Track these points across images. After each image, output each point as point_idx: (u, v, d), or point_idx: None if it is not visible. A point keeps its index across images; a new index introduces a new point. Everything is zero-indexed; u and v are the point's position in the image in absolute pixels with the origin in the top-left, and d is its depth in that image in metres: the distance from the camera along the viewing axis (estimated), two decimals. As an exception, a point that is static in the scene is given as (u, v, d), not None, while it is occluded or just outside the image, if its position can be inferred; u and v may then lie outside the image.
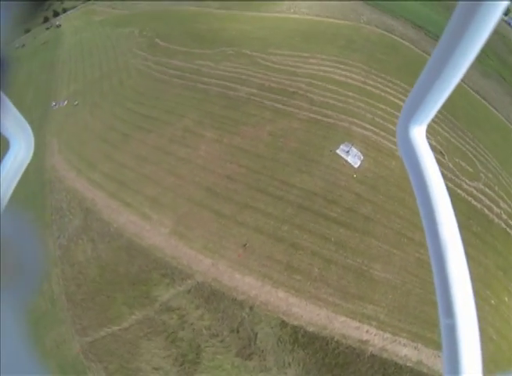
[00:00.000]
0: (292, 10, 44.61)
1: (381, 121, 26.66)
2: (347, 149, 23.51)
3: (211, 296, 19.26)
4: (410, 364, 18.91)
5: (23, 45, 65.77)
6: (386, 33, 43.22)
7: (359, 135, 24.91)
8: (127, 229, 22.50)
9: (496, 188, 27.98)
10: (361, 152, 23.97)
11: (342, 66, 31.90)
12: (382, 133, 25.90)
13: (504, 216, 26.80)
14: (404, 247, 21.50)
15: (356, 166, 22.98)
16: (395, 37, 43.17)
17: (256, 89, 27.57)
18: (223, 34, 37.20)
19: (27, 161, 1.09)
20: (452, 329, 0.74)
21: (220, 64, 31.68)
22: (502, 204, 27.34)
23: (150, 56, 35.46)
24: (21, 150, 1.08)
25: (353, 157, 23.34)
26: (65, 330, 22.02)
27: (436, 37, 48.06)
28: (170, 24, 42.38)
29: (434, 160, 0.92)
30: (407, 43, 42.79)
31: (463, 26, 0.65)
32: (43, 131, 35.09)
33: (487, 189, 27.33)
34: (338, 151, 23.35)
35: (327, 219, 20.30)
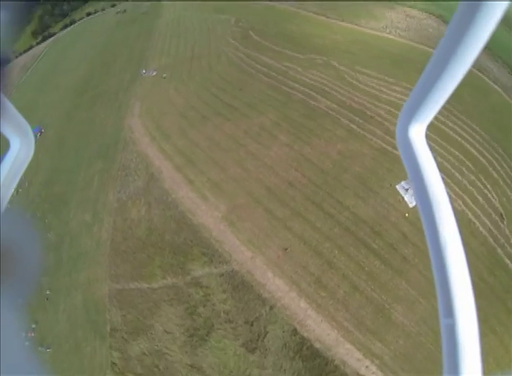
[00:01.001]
0: (388, 30, 43.70)
1: (449, 167, 26.03)
2: (407, 187, 23.47)
3: (240, 285, 20.70)
4: None
5: (125, 11, 70.46)
6: (478, 73, 40.85)
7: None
8: (183, 203, 24.32)
9: None
10: (422, 192, 23.85)
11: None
12: (447, 179, 25.32)
13: None
14: (431, 299, 21.11)
15: (411, 205, 22.97)
16: (487, 80, 40.64)
17: (336, 105, 28.11)
18: (315, 41, 37.77)
19: (27, 161, 1.10)
20: (451, 329, 0.76)
21: (307, 71, 32.42)
22: None
23: (242, 48, 37.17)
24: (21, 150, 1.09)
25: (410, 196, 23.26)
26: (100, 272, 24.60)
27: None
28: (265, 20, 43.76)
29: (433, 161, 0.94)
30: (498, 89, 40.10)
31: (464, 25, 0.66)
32: (129, 93, 38.36)
33: None
34: (398, 187, 23.41)
35: (367, 248, 20.80)
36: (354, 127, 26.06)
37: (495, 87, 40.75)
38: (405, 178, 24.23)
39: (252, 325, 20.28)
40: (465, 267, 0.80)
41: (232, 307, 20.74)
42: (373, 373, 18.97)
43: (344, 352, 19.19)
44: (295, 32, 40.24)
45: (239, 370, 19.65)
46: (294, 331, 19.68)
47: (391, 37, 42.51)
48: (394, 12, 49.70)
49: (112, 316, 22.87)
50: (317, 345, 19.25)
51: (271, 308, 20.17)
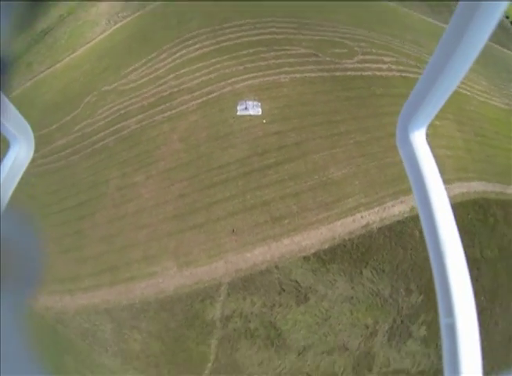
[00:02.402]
0: (112, 22, 43.39)
1: (249, 65, 28.93)
2: (243, 106, 25.94)
3: (245, 283, 21.64)
4: (407, 215, 22.89)
5: None
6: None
7: (244, 88, 27.26)
8: (148, 295, 23.28)
9: (373, 50, 31.39)
10: (255, 100, 26.56)
11: (190, 42, 33.01)
12: (256, 74, 28.30)
13: (393, 66, 30.63)
14: (338, 143, 25.00)
15: (260, 113, 25.68)
16: None
17: (141, 114, 28.35)
18: (71, 92, 36.20)
19: (27, 161, 1.07)
20: (452, 329, 0.76)
21: (95, 116, 31.45)
22: (386, 59, 30.98)
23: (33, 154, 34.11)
24: (21, 150, 1.08)
25: (253, 109, 25.89)
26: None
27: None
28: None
29: (433, 161, 0.95)
30: None
31: (462, 28, 0.66)
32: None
33: (367, 56, 30.68)
34: (239, 113, 25.75)
35: (270, 167, 23.25)
36: (169, 113, 26.86)
37: None
38: (235, 103, 26.46)
39: (284, 290, 21.64)
40: (465, 268, 0.82)
41: (260, 298, 21.66)
42: (368, 215, 22.78)
43: (342, 228, 22.26)
44: (47, 100, 37.89)
45: (321, 316, 21.58)
46: (306, 258, 21.77)
47: (113, 29, 42.33)
48: (103, 4, 48.81)
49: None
50: (326, 246, 21.94)
51: (277, 268, 21.74)
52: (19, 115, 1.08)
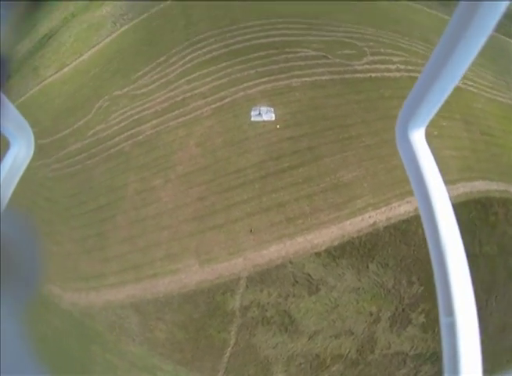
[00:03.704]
0: (118, 24, 43.75)
1: (261, 69, 29.81)
2: (257, 112, 26.86)
3: (262, 277, 23.09)
4: (412, 214, 23.92)
5: None
6: None
7: (256, 93, 28.22)
8: (172, 289, 24.38)
9: (382, 50, 31.84)
10: (268, 105, 27.58)
11: (199, 45, 33.53)
12: (269, 78, 29.18)
13: (402, 66, 31.16)
14: (349, 147, 25.93)
15: (273, 119, 26.64)
16: None
17: (155, 119, 29.26)
18: (81, 97, 36.72)
19: (27, 161, 1.08)
20: (452, 328, 0.78)
21: (108, 121, 32.13)
22: (395, 59, 31.53)
23: (47, 159, 34.76)
24: (21, 150, 1.08)
25: (266, 114, 26.79)
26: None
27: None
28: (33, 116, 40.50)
29: (433, 161, 0.92)
30: None
31: (462, 27, 0.67)
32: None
33: (376, 57, 31.14)
34: (253, 119, 26.70)
35: (285, 171, 24.45)
36: (183, 119, 27.59)
37: None
38: (249, 109, 27.42)
39: (298, 282, 23.02)
40: (465, 267, 0.86)
41: (276, 290, 22.99)
42: (376, 214, 24.04)
43: (351, 227, 23.71)
44: (58, 105, 38.53)
45: (330, 304, 23.22)
46: (317, 254, 23.20)
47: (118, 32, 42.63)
48: (107, 6, 48.90)
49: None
50: (336, 243, 23.32)
51: (291, 262, 23.21)
52: (20, 115, 1.08)
